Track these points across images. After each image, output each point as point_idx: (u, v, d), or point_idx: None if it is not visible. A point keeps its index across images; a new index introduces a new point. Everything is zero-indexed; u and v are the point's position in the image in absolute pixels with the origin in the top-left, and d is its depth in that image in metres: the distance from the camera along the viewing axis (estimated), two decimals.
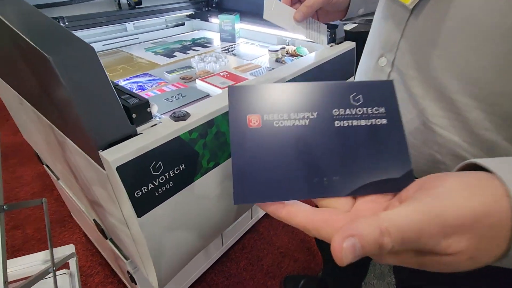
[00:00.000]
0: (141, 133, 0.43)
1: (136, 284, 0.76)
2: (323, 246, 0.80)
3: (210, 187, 0.53)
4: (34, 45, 0.35)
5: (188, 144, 0.46)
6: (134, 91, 0.64)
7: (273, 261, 1.18)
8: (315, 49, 0.82)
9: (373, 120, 0.23)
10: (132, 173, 0.40)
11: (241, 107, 0.22)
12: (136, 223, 0.43)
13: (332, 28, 0.80)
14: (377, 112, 0.23)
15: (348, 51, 0.81)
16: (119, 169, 0.38)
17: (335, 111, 0.23)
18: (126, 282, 0.99)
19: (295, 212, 0.20)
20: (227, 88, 0.23)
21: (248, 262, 1.17)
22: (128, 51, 0.95)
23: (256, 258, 1.19)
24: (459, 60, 0.29)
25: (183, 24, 1.20)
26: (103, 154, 0.38)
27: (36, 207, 1.44)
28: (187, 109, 0.49)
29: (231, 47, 0.95)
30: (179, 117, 0.46)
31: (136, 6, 1.00)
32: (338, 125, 0.22)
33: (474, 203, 0.17)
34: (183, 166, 0.46)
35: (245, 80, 0.67)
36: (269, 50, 0.85)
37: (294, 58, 0.82)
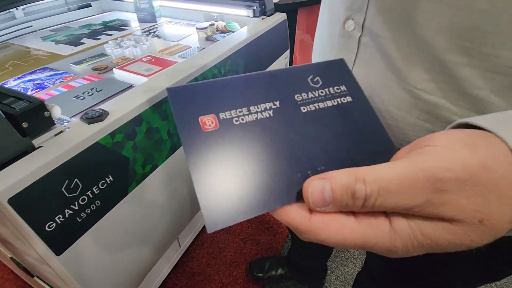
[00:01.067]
0: (41, 146, 0.32)
1: None
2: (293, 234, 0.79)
3: (151, 194, 0.45)
4: None
5: (112, 149, 0.37)
6: (29, 91, 0.50)
7: (235, 249, 1.15)
8: (246, 24, 0.76)
9: (338, 99, 0.21)
10: (35, 202, 0.30)
11: (189, 109, 0.18)
12: (56, 262, 0.33)
13: (260, 0, 0.74)
14: (339, 90, 0.21)
15: (280, 23, 0.77)
16: (13, 201, 0.28)
17: (297, 97, 0.20)
18: None
19: (286, 210, 0.16)
20: (166, 89, 0.18)
21: (210, 257, 1.12)
22: (21, 43, 0.76)
23: (218, 251, 1.15)
24: (449, 11, 0.25)
25: (89, 5, 1.01)
26: None
27: None
28: (105, 106, 0.39)
29: (153, 28, 0.83)
30: (93, 117, 0.36)
31: None
32: (305, 110, 0.20)
33: (467, 156, 0.15)
34: (111, 177, 0.37)
35: (174, 63, 0.58)
36: (196, 28, 0.76)
37: (225, 34, 0.75)
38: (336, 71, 0.22)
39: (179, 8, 0.91)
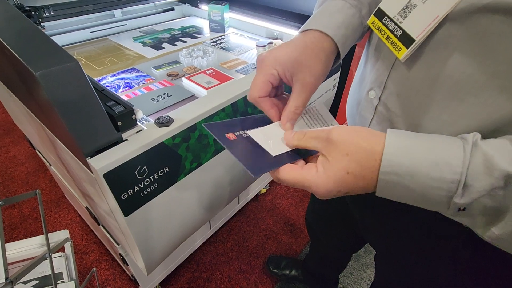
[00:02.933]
0: (127, 139, 0.46)
1: (127, 265, 0.83)
2: (313, 227, 0.85)
3: (193, 185, 0.58)
4: (21, 60, 0.37)
5: (171, 148, 0.50)
6: (121, 88, 0.66)
7: (258, 242, 1.26)
8: None
9: None
10: (119, 178, 0.43)
11: (220, 132, 0.34)
12: (123, 220, 0.47)
13: None
14: None
15: None
16: (106, 175, 0.42)
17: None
18: (119, 261, 1.06)
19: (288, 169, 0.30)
20: (205, 125, 0.35)
21: (235, 243, 1.25)
22: (116, 40, 0.95)
23: (242, 240, 1.27)
24: (445, 113, 0.31)
25: (173, 9, 1.18)
26: (91, 161, 0.42)
27: (32, 186, 1.48)
28: (171, 113, 0.52)
29: (220, 39, 0.96)
30: (163, 123, 0.49)
31: None
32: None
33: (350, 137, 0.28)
34: (167, 168, 0.50)
35: (230, 79, 0.70)
36: (256, 45, 0.87)
37: None
38: None
39: (246, 22, 1.02)
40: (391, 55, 0.35)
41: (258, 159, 0.32)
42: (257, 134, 0.35)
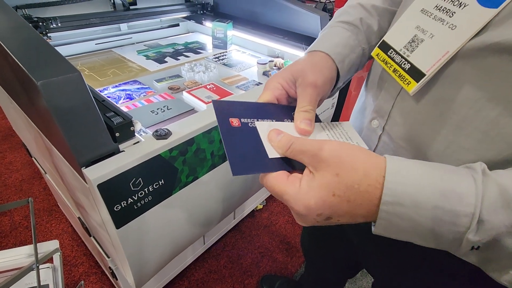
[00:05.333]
0: (123, 150, 0.46)
1: (117, 279, 0.80)
2: (308, 248, 0.84)
3: (188, 199, 0.57)
4: (24, 68, 0.38)
5: (168, 161, 0.50)
6: (122, 99, 0.67)
7: (252, 260, 1.23)
8: None
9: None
10: (113, 189, 0.43)
11: (224, 113, 0.30)
12: (114, 233, 0.46)
13: None
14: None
15: None
16: (100, 186, 0.41)
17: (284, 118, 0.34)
18: (108, 275, 1.03)
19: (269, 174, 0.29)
20: (211, 103, 0.31)
21: (228, 260, 1.22)
22: (121, 52, 0.97)
23: (237, 257, 1.24)
24: (450, 148, 0.30)
25: (178, 25, 1.21)
26: (85, 171, 0.41)
27: (26, 194, 1.46)
28: (170, 126, 0.52)
29: (222, 55, 0.98)
30: (161, 135, 0.49)
31: (131, 7, 1.01)
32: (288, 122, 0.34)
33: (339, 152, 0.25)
34: (162, 181, 0.50)
35: (230, 95, 0.71)
36: (257, 63, 0.88)
37: None
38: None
39: (248, 40, 1.05)
40: (396, 85, 0.35)
41: (250, 157, 0.28)
42: (264, 128, 0.31)
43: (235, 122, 0.30)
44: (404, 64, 0.32)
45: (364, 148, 0.26)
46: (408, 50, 0.32)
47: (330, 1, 1.60)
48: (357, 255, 0.56)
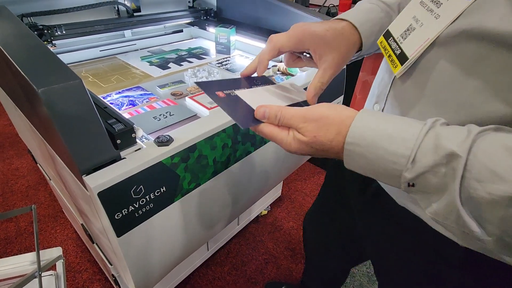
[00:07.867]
0: (125, 157, 0.46)
1: (120, 287, 0.80)
2: (308, 248, 0.85)
3: (190, 206, 0.56)
4: (25, 76, 0.38)
5: (170, 168, 0.49)
6: (124, 106, 0.67)
7: (257, 267, 1.22)
8: (307, 68, 0.85)
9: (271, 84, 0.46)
10: (113, 197, 0.43)
11: (211, 90, 0.38)
12: (115, 241, 0.46)
13: None
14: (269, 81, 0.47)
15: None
16: (101, 194, 0.41)
17: (256, 81, 0.44)
18: (111, 282, 1.03)
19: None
20: (196, 84, 0.41)
21: (232, 267, 1.21)
22: (125, 59, 0.97)
23: (241, 263, 1.23)
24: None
25: (181, 31, 1.22)
26: (86, 179, 0.41)
27: (32, 200, 1.47)
28: (172, 132, 0.52)
29: (225, 60, 0.98)
30: (162, 142, 0.49)
31: (135, 14, 1.02)
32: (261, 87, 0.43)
33: (323, 109, 0.32)
34: (164, 188, 0.49)
35: None
36: None
37: (284, 77, 0.85)
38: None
39: (252, 45, 1.04)
40: (392, 71, 0.39)
41: (245, 114, 0.36)
42: (244, 94, 0.39)
43: (221, 94, 0.38)
44: (397, 50, 0.36)
45: (342, 105, 0.32)
46: (402, 38, 0.36)
47: (334, 5, 1.60)
48: (358, 239, 0.61)
